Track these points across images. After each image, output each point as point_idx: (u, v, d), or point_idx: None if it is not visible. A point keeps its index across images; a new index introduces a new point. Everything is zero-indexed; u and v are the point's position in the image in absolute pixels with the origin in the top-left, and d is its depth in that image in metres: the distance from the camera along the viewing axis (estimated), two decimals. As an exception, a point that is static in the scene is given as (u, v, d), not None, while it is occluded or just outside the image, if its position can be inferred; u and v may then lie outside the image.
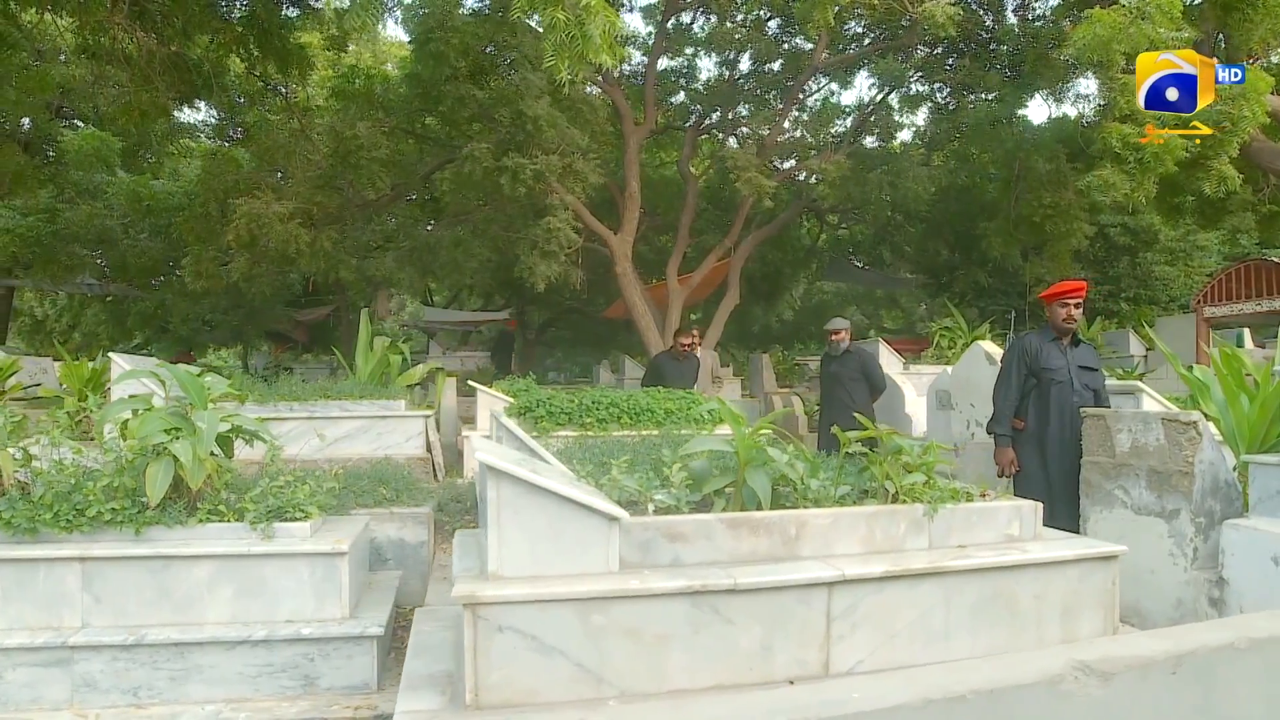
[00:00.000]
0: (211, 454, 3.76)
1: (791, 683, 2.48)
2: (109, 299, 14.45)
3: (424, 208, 11.96)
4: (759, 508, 2.74)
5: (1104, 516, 4.52)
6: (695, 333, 8.23)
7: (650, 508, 2.64)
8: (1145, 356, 9.90)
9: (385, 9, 8.40)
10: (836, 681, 2.16)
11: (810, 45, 11.13)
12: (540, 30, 8.38)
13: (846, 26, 10.73)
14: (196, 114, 13.87)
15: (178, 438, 3.50)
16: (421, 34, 8.12)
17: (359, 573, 3.78)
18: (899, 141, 12.07)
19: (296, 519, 3.57)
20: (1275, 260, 9.01)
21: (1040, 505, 2.99)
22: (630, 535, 2.54)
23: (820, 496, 2.81)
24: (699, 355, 8.00)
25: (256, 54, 9.20)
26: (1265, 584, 3.71)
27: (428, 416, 5.66)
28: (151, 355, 16.70)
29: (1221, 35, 8.17)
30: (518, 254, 9.36)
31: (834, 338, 7.04)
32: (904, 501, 2.82)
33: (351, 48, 15.09)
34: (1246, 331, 10.13)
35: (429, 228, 11.28)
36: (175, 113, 12.82)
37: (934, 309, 14.67)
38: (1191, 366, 5.27)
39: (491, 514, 2.45)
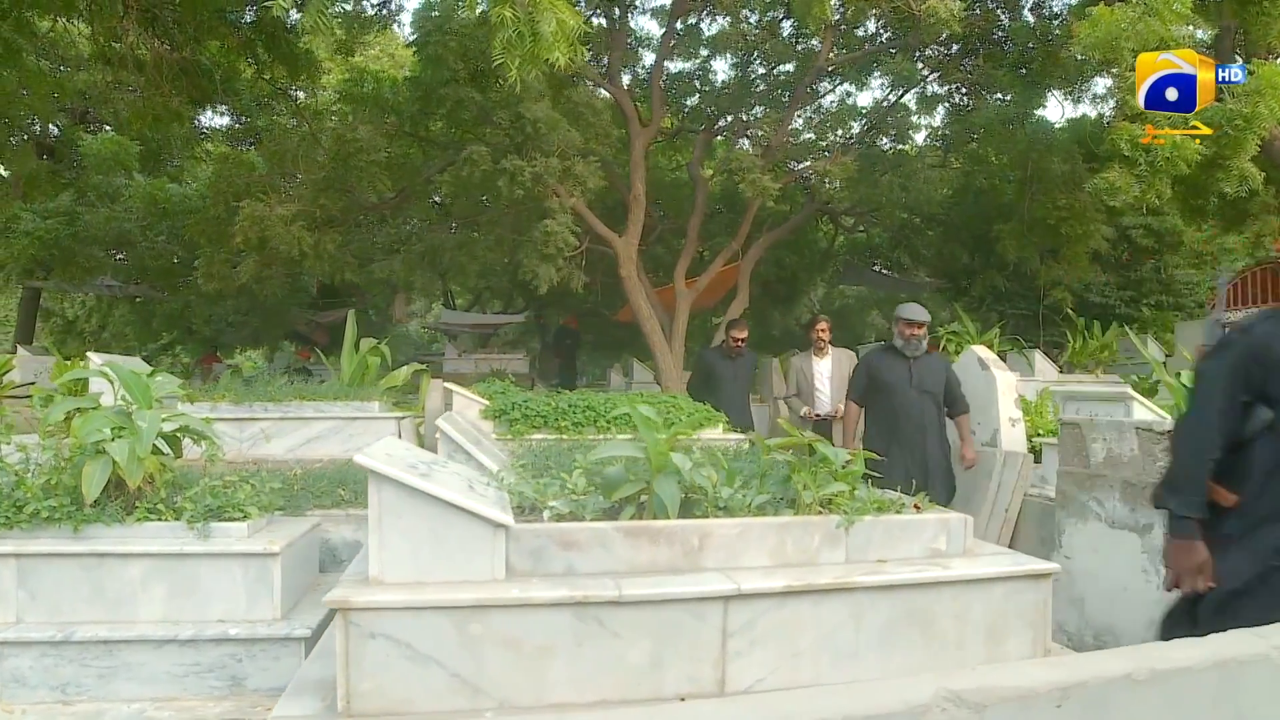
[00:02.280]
0: (159, 453, 3.81)
1: (683, 699, 2.39)
2: (137, 300, 14.86)
3: (437, 210, 12.04)
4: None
5: (1078, 529, 4.35)
6: (822, 327, 6.87)
7: (545, 514, 2.57)
8: (1164, 364, 9.54)
9: (352, 12, 8.44)
10: (670, 707, 2.06)
11: (836, 54, 10.97)
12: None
13: (858, 26, 10.55)
14: (221, 119, 14.16)
15: (120, 436, 3.53)
16: (421, 37, 8.18)
17: (299, 574, 3.76)
18: (914, 144, 11.81)
19: (235, 519, 3.57)
20: (1293, 264, 8.61)
21: (970, 519, 2.85)
22: (520, 542, 2.47)
23: (734, 506, 2.71)
24: (831, 354, 6.72)
25: (265, 58, 9.35)
26: (1238, 605, 3.51)
27: (401, 418, 5.66)
28: (177, 356, 17.17)
29: (1240, 31, 7.85)
30: (521, 257, 9.36)
31: (914, 331, 5.20)
32: (819, 512, 2.71)
33: (373, 50, 15.31)
34: (1277, 338, 9.68)
35: (452, 230, 11.34)
36: (200, 117, 13.15)
37: (957, 314, 14.35)
38: (1180, 373, 5.03)
39: (373, 518, 2.40)
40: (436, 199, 12.23)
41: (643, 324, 10.28)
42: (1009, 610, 2.66)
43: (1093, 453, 4.27)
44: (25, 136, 11.10)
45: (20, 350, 10.82)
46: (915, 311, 5.38)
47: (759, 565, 2.59)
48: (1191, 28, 7.73)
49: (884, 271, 15.46)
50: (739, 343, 7.05)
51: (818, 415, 6.48)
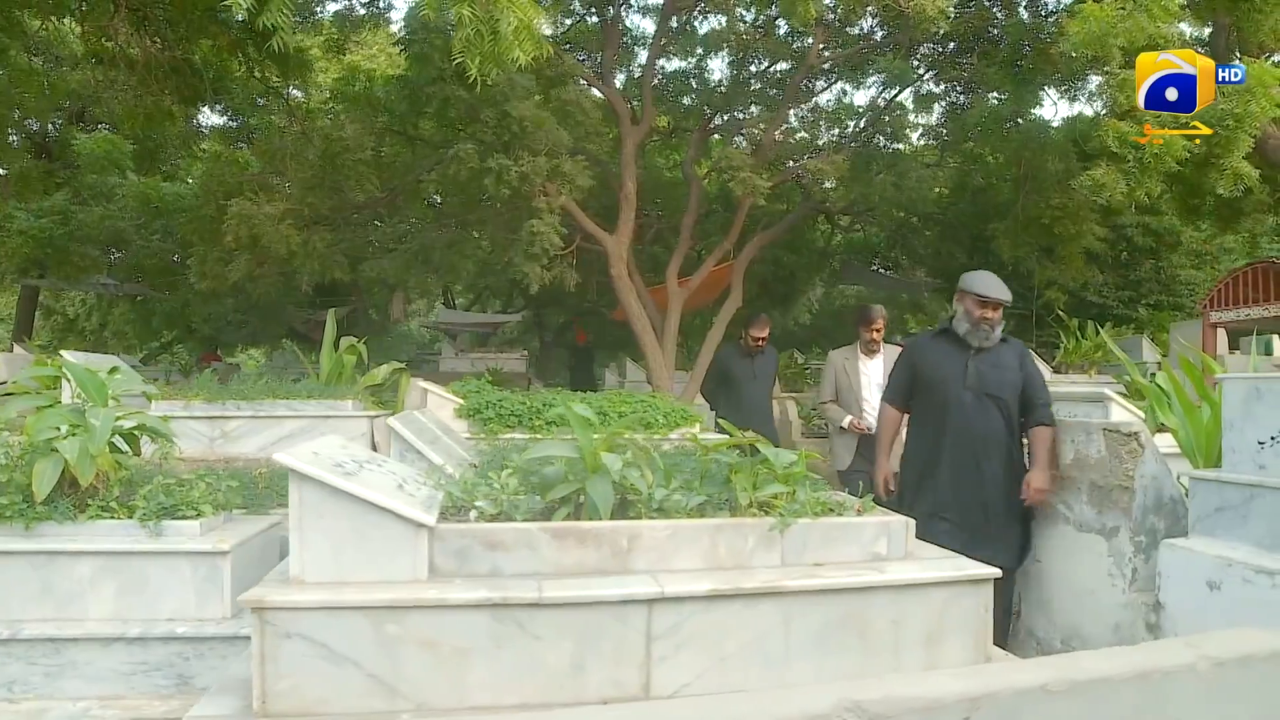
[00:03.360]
0: (118, 451, 3.81)
1: (606, 704, 2.36)
2: (138, 299, 14.95)
3: (433, 209, 12.05)
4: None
5: (1048, 533, 4.29)
6: (878, 325, 5.62)
7: (472, 514, 2.54)
8: (1159, 364, 9.45)
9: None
10: (552, 714, 2.03)
11: (823, 46, 10.90)
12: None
13: (850, 24, 10.47)
14: (221, 118, 14.20)
15: (74, 434, 3.53)
16: (407, 35, 8.18)
17: (252, 573, 3.73)
18: (911, 143, 11.73)
19: (188, 518, 3.56)
20: (1284, 263, 8.48)
21: (912, 522, 2.80)
22: (445, 543, 2.45)
23: (669, 507, 2.67)
24: (884, 353, 5.56)
25: (256, 58, 9.37)
26: (1200, 609, 3.44)
27: (375, 417, 5.64)
28: (176, 355, 17.27)
29: (1232, 29, 7.75)
30: (510, 256, 9.35)
31: (987, 314, 3.97)
32: (754, 514, 2.67)
33: (371, 49, 15.34)
34: (1275, 338, 9.56)
35: (453, 228, 11.31)
36: (199, 116, 13.21)
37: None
38: (1154, 375, 4.95)
39: (293, 518, 2.39)
40: (437, 198, 12.24)
41: (633, 323, 10.26)
42: (948, 616, 2.61)
43: (1062, 454, 4.21)
44: (23, 135, 11.17)
45: (16, 348, 10.89)
46: (992, 286, 4.00)
47: (691, 568, 2.55)
48: (1183, 25, 7.64)
49: (884, 271, 15.37)
50: (758, 342, 6.52)
51: (865, 428, 5.29)
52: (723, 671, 2.43)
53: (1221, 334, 9.40)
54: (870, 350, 5.58)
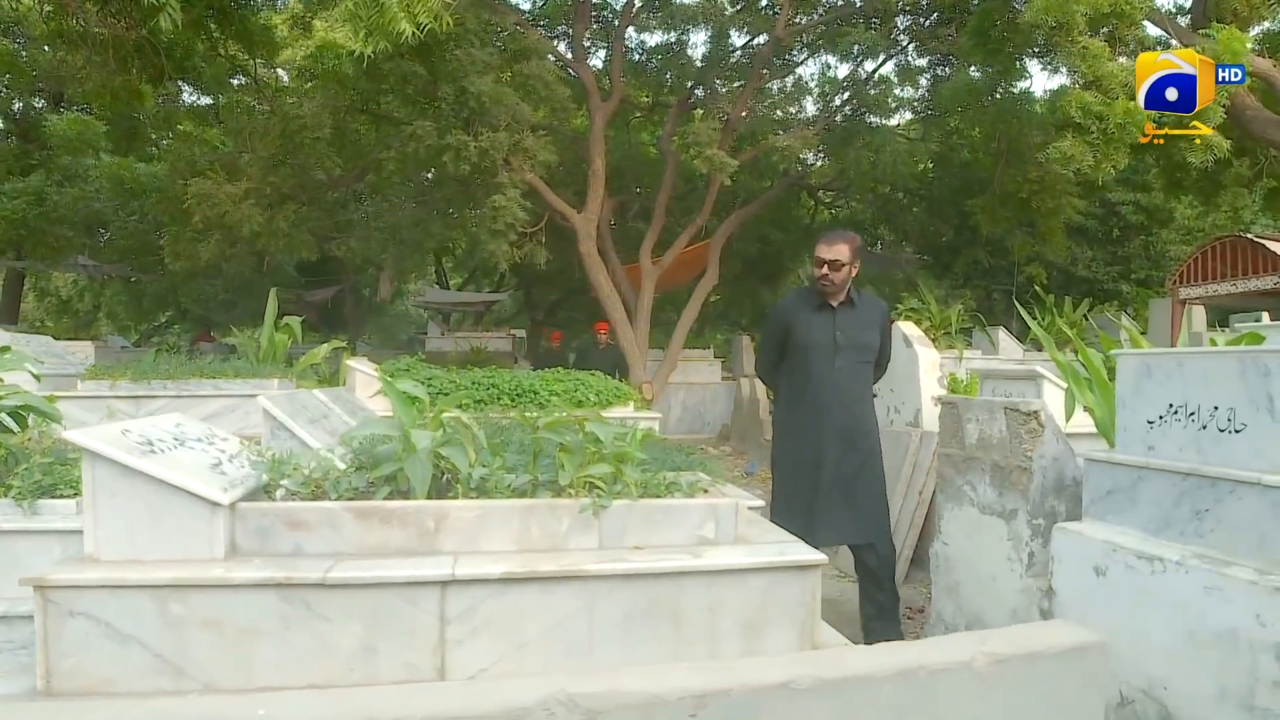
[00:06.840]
0: (8, 431, 3.83)
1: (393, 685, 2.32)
2: (131, 279, 15.07)
3: (404, 186, 11.99)
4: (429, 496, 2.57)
5: (954, 514, 4.20)
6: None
7: (279, 493, 2.50)
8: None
9: None
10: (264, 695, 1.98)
11: (794, 16, 10.66)
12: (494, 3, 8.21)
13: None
14: (205, 97, 14.20)
15: (-49, 414, 3.54)
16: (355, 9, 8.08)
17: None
18: (893, 117, 11.46)
19: (66, 496, 3.56)
20: (1251, 238, 8.11)
21: (741, 504, 2.72)
22: (247, 522, 2.41)
23: (490, 487, 2.62)
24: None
25: (218, 35, 9.33)
26: (1088, 596, 3.33)
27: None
28: (164, 336, 17.43)
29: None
30: (479, 235, 9.30)
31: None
32: (571, 495, 2.60)
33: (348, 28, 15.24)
34: (1265, 315, 9.26)
35: (421, 206, 11.24)
36: (181, 96, 13.23)
37: (948, 290, 14.00)
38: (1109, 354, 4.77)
39: (86, 496, 2.35)
40: (427, 175, 12.19)
41: (603, 301, 10.19)
42: (769, 603, 2.52)
43: (967, 433, 4.09)
44: (3, 116, 11.26)
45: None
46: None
47: (501, 550, 2.49)
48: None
49: (872, 249, 15.11)
50: (825, 276, 3.73)
51: None
52: (522, 656, 2.38)
53: (1199, 311, 9.06)
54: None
